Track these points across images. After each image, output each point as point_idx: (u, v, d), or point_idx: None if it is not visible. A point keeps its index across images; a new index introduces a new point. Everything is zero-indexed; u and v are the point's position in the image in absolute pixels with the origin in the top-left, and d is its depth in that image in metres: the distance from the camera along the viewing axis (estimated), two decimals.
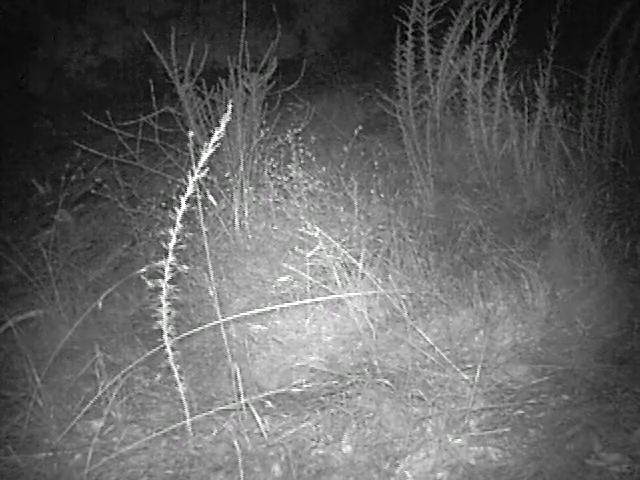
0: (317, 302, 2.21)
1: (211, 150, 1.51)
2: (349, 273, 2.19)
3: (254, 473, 1.70)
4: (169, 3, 4.99)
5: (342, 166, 2.94)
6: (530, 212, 2.70)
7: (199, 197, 1.75)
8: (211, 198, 2.19)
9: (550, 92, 2.85)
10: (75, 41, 5.04)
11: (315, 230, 2.11)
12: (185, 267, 1.62)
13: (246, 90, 3.11)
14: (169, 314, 1.63)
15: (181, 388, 1.73)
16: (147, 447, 1.81)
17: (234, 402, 1.79)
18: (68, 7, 4.96)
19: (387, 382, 1.88)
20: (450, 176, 2.99)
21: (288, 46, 4.97)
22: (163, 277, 1.58)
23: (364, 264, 2.17)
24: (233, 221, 2.66)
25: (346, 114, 3.82)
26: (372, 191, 2.73)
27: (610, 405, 1.75)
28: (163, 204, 2.72)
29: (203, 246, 1.85)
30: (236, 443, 1.72)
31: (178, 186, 2.64)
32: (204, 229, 1.87)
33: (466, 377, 1.88)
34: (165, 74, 3.12)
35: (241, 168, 2.71)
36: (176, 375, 1.70)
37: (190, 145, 1.71)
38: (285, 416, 1.87)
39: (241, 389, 1.77)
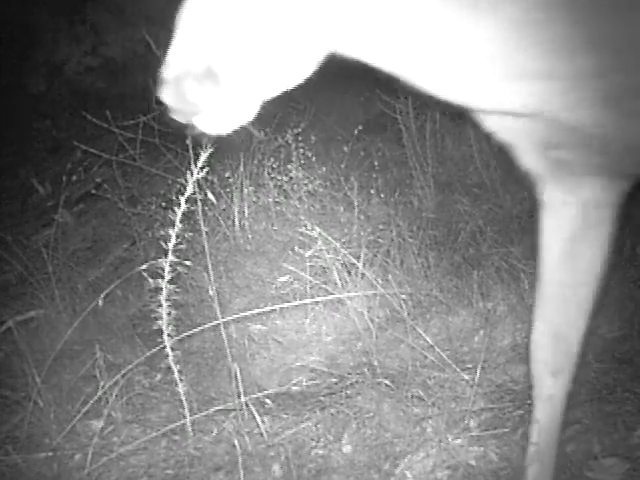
0: (317, 302, 2.21)
1: (210, 150, 1.51)
2: (349, 273, 2.19)
3: (254, 473, 1.70)
4: (169, 3, 4.98)
5: (342, 166, 2.94)
6: (530, 212, 2.70)
7: (199, 197, 1.75)
8: (211, 196, 2.19)
9: None
10: (75, 41, 5.04)
11: (315, 230, 2.11)
12: (187, 262, 1.62)
13: None
14: (169, 314, 1.63)
15: (181, 388, 1.73)
16: (147, 447, 1.81)
17: (234, 402, 1.79)
18: (68, 7, 4.96)
19: (387, 382, 1.88)
20: (450, 176, 2.99)
21: None
22: (163, 277, 1.58)
23: (364, 264, 2.17)
24: (233, 221, 2.66)
25: (346, 114, 3.82)
26: (372, 191, 2.72)
27: (610, 405, 1.75)
28: (163, 204, 2.71)
29: (203, 246, 1.85)
30: (236, 443, 1.72)
31: (178, 186, 2.63)
32: (204, 229, 1.87)
33: (466, 377, 1.87)
34: None
35: (241, 168, 2.71)
36: (176, 375, 1.70)
37: (189, 143, 1.70)
38: (285, 416, 1.87)
39: (241, 389, 1.77)
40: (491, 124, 1.32)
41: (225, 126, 1.07)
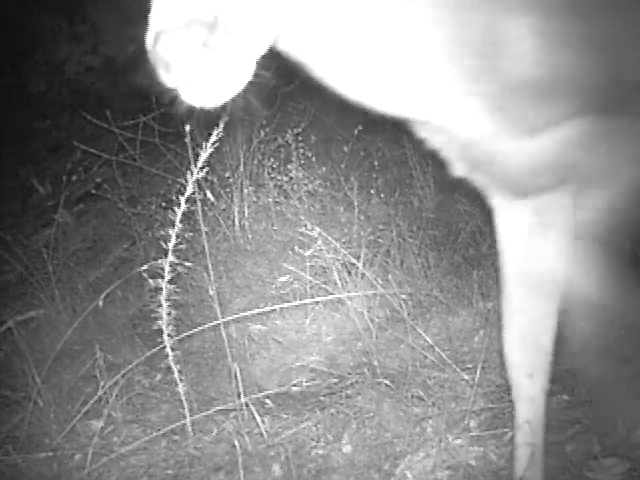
0: (317, 302, 2.21)
1: (210, 150, 1.51)
2: (349, 273, 2.19)
3: (254, 473, 1.70)
4: None
5: (342, 166, 2.94)
6: None
7: (199, 197, 1.75)
8: (211, 196, 2.19)
9: None
10: (75, 40, 5.03)
11: (315, 230, 2.11)
12: (187, 262, 1.62)
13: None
14: (169, 314, 1.63)
15: (181, 388, 1.73)
16: (147, 447, 1.81)
17: (234, 402, 1.79)
18: (68, 7, 4.95)
19: (387, 382, 1.88)
20: (450, 176, 2.98)
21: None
22: (163, 277, 1.58)
23: (364, 264, 2.17)
24: (233, 221, 2.66)
25: (346, 114, 3.81)
26: (372, 191, 2.72)
27: (610, 405, 1.75)
28: (163, 204, 2.71)
29: (203, 246, 1.85)
30: (236, 443, 1.72)
31: (178, 186, 2.63)
32: (204, 229, 1.88)
33: (466, 377, 1.87)
34: None
35: (241, 168, 2.71)
36: (176, 375, 1.70)
37: (188, 142, 1.70)
38: (285, 416, 1.87)
39: (241, 389, 1.77)
40: (424, 132, 1.28)
41: (215, 95, 0.99)
